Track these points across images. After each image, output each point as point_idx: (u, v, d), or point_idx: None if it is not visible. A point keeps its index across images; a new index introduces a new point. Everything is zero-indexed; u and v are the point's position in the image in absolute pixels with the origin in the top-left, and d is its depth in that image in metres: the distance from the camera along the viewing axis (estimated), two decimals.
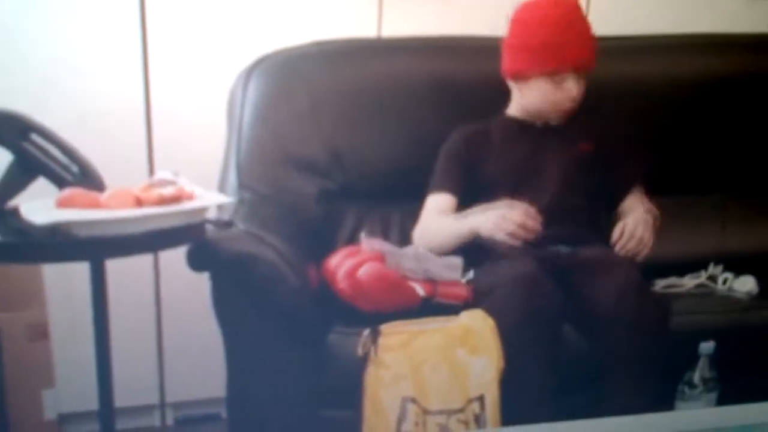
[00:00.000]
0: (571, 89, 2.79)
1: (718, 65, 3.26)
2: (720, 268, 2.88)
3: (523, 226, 2.62)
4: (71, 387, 3.00)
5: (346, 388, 2.37)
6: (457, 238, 2.73)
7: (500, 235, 2.63)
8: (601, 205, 2.84)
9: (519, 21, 2.83)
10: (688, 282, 2.85)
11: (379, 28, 3.26)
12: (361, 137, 2.99)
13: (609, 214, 2.85)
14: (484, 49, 3.11)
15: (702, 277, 2.87)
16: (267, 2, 3.15)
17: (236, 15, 3.13)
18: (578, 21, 2.80)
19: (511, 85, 2.88)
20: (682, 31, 3.30)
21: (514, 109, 2.91)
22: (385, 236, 2.91)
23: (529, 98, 2.85)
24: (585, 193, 2.81)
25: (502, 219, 2.62)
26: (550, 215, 2.70)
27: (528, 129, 2.88)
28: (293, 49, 3.04)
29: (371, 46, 3.18)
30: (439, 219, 2.80)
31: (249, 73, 2.98)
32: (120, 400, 2.63)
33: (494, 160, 2.85)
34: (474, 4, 3.30)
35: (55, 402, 2.89)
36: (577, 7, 2.82)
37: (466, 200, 2.81)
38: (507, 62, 2.87)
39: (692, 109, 3.21)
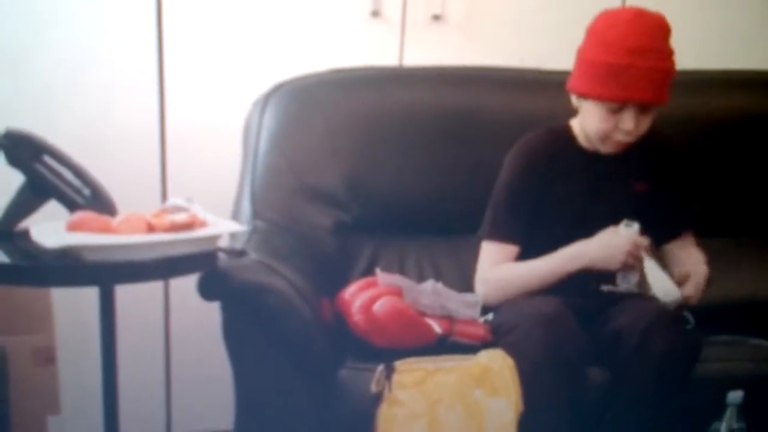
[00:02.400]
0: (626, 123, 2.54)
1: (758, 103, 3.23)
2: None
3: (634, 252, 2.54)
4: (77, 414, 2.96)
5: (358, 425, 2.33)
6: (557, 280, 2.61)
7: (615, 265, 2.56)
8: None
9: (595, 32, 2.58)
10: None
11: (401, 56, 3.23)
12: (378, 169, 2.95)
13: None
14: (506, 80, 3.13)
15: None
16: (285, 28, 3.13)
17: (254, 40, 3.12)
18: (658, 46, 2.51)
19: (573, 100, 2.69)
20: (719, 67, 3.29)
21: (577, 126, 2.74)
22: (402, 271, 2.85)
23: (585, 120, 2.66)
24: (644, 230, 2.59)
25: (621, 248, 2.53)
26: None
27: (590, 158, 2.72)
28: (311, 76, 3.02)
29: (391, 74, 3.15)
30: (523, 266, 2.67)
31: (266, 99, 2.96)
32: (126, 428, 2.60)
33: (555, 190, 2.71)
34: (496, 34, 3.29)
35: (60, 429, 2.85)
36: (662, 30, 2.52)
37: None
38: (573, 74, 2.65)
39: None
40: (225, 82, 3.12)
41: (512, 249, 2.70)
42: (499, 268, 2.69)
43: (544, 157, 2.73)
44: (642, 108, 2.55)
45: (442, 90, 3.06)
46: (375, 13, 3.17)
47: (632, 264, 2.56)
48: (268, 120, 2.93)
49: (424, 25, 3.23)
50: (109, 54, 3.01)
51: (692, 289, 2.56)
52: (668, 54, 2.53)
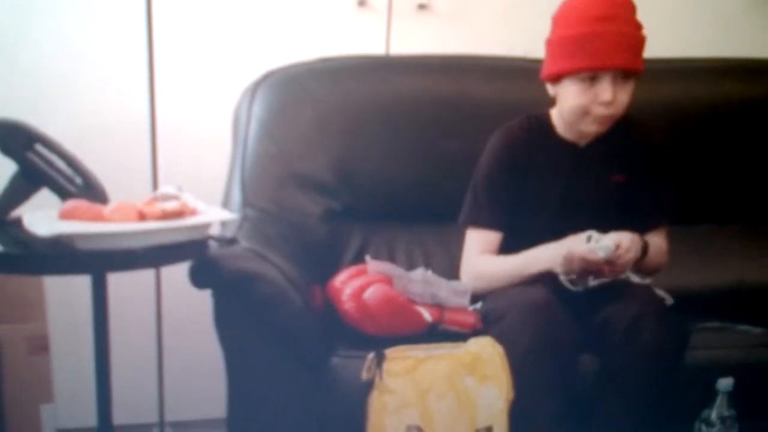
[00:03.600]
0: (604, 93, 2.49)
1: (746, 90, 3.24)
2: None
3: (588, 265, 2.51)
4: (70, 402, 2.98)
5: (349, 414, 2.32)
6: (525, 279, 2.61)
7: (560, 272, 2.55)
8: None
9: (559, 15, 2.59)
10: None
11: (387, 45, 3.24)
12: (367, 156, 2.96)
13: None
14: (494, 68, 3.12)
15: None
16: (273, 18, 3.12)
17: (243, 29, 3.11)
18: (623, 14, 2.48)
19: (549, 89, 2.67)
20: (706, 54, 3.28)
21: (556, 116, 2.72)
22: (392, 259, 2.87)
23: (563, 103, 2.62)
24: (613, 223, 2.56)
25: (571, 259, 2.50)
26: None
27: (569, 148, 2.70)
28: (300, 65, 3.02)
29: (379, 63, 3.15)
30: (497, 261, 2.69)
31: (255, 88, 2.96)
32: (119, 417, 2.60)
33: (533, 181, 2.70)
34: (483, 23, 3.29)
35: (53, 417, 2.84)
36: (625, 3, 2.50)
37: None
38: (544, 63, 2.64)
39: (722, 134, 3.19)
40: (214, 72, 3.11)
41: (495, 236, 2.71)
42: (479, 260, 2.71)
43: (524, 145, 2.73)
44: (617, 77, 2.51)
45: (430, 78, 3.06)
46: (361, 3, 3.17)
47: (576, 273, 2.55)
48: (258, 109, 2.92)
49: (411, 14, 3.22)
50: (99, 44, 2.99)
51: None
52: (636, 24, 2.50)
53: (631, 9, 2.52)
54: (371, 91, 3.03)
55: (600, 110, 2.55)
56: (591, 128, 2.63)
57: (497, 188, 2.72)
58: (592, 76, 2.51)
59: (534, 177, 2.71)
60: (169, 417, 3.30)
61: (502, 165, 2.72)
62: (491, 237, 2.71)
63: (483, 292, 2.65)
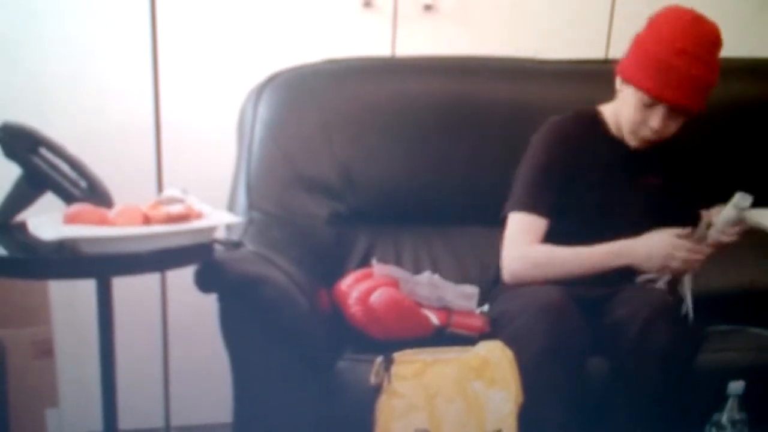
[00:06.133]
0: (653, 120, 2.56)
1: (753, 90, 3.24)
2: None
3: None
4: (75, 407, 2.97)
5: (357, 417, 2.31)
6: (595, 274, 2.60)
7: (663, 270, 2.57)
8: None
9: (653, 23, 2.59)
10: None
11: (393, 47, 3.22)
12: (373, 158, 2.94)
13: None
14: (500, 69, 3.10)
15: None
16: (278, 20, 3.12)
17: (248, 30, 3.10)
18: (704, 55, 2.51)
19: (617, 82, 2.67)
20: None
21: (611, 111, 2.75)
22: (398, 262, 2.86)
23: (622, 105, 2.66)
24: (645, 225, 2.62)
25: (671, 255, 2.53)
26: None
27: (617, 146, 2.72)
28: (305, 66, 3.01)
29: (385, 64, 3.13)
30: (566, 252, 2.63)
31: (260, 90, 2.95)
32: (125, 421, 2.60)
33: (580, 175, 2.69)
34: (488, 24, 3.28)
35: (58, 422, 2.84)
36: (715, 42, 2.54)
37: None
38: (627, 57, 2.64)
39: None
40: (219, 74, 3.10)
41: (543, 222, 2.66)
42: (541, 247, 2.65)
43: (574, 139, 2.72)
44: (672, 111, 2.56)
45: (436, 80, 3.05)
46: (367, 4, 3.16)
47: (675, 269, 2.57)
48: (263, 110, 2.91)
49: (416, 15, 3.21)
50: (104, 47, 2.99)
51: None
52: (713, 67, 2.54)
53: (717, 49, 2.56)
54: (377, 93, 3.02)
55: (645, 132, 2.61)
56: (634, 143, 2.68)
57: (549, 178, 2.69)
58: (651, 102, 2.55)
59: (581, 171, 2.70)
60: (175, 421, 3.30)
61: (555, 156, 2.71)
62: (540, 224, 2.66)
63: (532, 280, 2.59)
